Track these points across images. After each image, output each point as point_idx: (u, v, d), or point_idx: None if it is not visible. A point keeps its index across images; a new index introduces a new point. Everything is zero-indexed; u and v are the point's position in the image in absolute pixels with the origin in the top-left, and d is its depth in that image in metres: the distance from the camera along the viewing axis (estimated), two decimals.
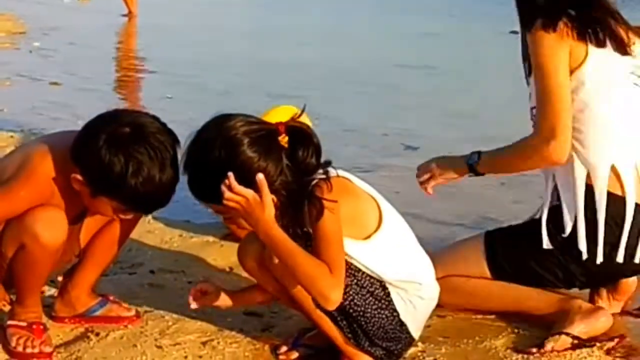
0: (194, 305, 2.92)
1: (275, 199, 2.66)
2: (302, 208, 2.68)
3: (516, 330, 3.16)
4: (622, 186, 3.06)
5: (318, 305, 2.72)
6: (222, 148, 2.63)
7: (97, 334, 3.01)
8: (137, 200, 2.70)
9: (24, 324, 2.89)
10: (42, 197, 2.74)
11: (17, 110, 6.88)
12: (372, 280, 2.77)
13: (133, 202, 2.72)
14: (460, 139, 6.30)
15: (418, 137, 6.34)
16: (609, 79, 3.07)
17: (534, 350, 2.99)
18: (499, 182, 5.00)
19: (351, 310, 2.75)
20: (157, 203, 2.79)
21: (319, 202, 2.64)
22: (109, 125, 2.67)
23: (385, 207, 2.83)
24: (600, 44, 3.04)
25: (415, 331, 2.87)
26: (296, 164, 2.68)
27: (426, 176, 3.29)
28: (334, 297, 2.65)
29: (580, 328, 3.03)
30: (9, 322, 2.91)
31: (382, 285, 2.79)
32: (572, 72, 3.02)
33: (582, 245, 3.05)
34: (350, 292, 2.74)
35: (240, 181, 2.59)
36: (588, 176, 3.06)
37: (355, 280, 2.75)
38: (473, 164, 3.19)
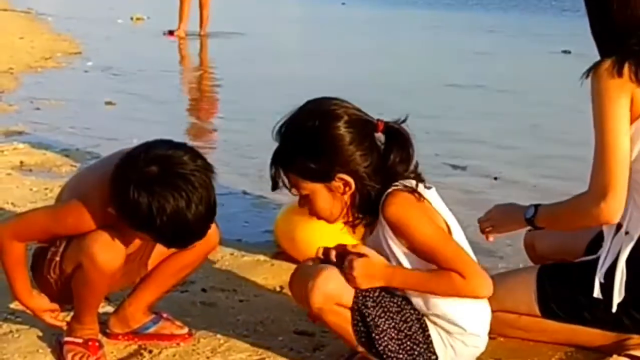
0: None
1: (350, 188, 2.66)
2: (371, 210, 2.68)
3: (569, 353, 3.13)
4: None
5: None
6: (320, 118, 2.64)
7: (150, 351, 3.05)
8: (165, 238, 2.71)
9: (79, 340, 2.94)
10: (91, 226, 2.78)
11: (73, 129, 6.99)
12: (411, 322, 2.71)
13: (163, 240, 2.73)
14: (509, 160, 6.29)
15: (468, 157, 6.32)
16: None
17: None
18: None
19: (384, 356, 2.71)
20: (188, 240, 2.76)
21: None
22: (139, 163, 2.65)
23: (457, 238, 2.74)
24: None
25: None
26: (385, 166, 2.67)
27: (488, 225, 3.24)
28: (485, 292, 2.66)
29: (637, 353, 2.98)
30: (66, 339, 2.95)
31: (422, 326, 2.72)
32: (637, 117, 2.80)
33: (616, 296, 2.92)
34: (385, 338, 2.69)
35: (322, 157, 2.62)
36: None
37: (393, 324, 2.70)
38: (531, 219, 3.08)
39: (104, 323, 3.11)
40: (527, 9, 21.89)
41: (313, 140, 2.64)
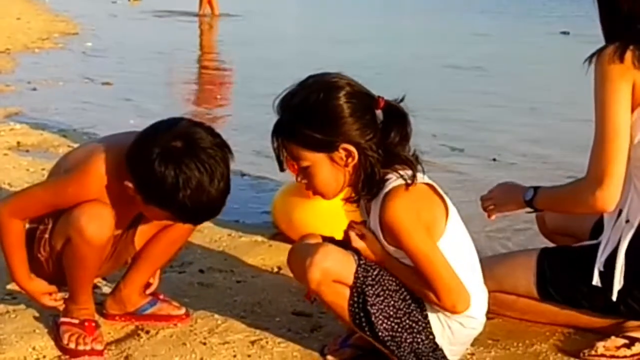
0: None
1: (353, 158, 2.63)
2: (372, 191, 2.66)
3: (567, 334, 3.12)
4: None
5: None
6: (322, 89, 2.63)
7: (147, 332, 3.04)
8: (186, 212, 2.72)
9: (76, 321, 2.93)
10: (90, 197, 2.77)
11: (70, 110, 6.99)
12: (410, 300, 2.70)
13: (182, 213, 2.73)
14: (507, 142, 6.29)
15: (466, 139, 6.32)
16: None
17: (586, 351, 2.95)
18: None
19: (380, 334, 2.69)
20: (206, 215, 2.80)
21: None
22: (162, 138, 2.67)
23: (453, 225, 2.71)
24: None
25: (452, 355, 2.78)
26: (384, 143, 2.64)
27: (490, 204, 3.19)
28: (457, 311, 2.65)
29: (636, 334, 2.98)
30: (62, 319, 2.94)
31: (420, 306, 2.70)
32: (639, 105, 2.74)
33: (616, 285, 2.91)
34: (381, 317, 2.68)
35: (326, 127, 2.60)
36: None
37: (392, 302, 2.69)
38: (530, 201, 3.04)
39: (100, 304, 3.11)
40: None
41: (316, 110, 2.61)
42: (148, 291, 3.16)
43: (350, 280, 2.68)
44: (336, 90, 2.63)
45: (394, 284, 2.71)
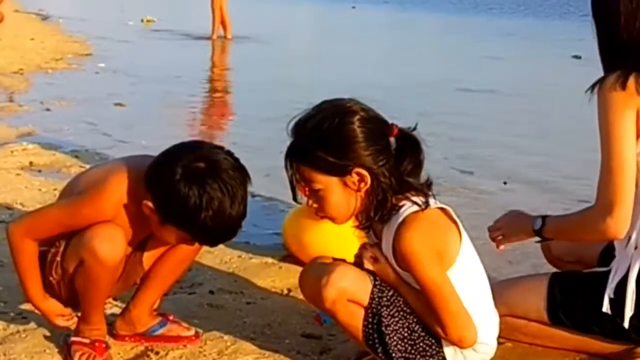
0: None
1: (365, 183, 2.63)
2: (383, 217, 2.67)
3: (578, 359, 3.11)
4: None
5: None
6: (337, 113, 2.64)
7: (157, 353, 3.04)
8: (205, 233, 2.75)
9: (86, 340, 2.93)
10: (105, 218, 2.79)
11: (82, 131, 7.01)
12: (423, 323, 2.70)
13: (201, 234, 2.76)
14: (518, 165, 6.28)
15: (476, 162, 6.31)
16: None
17: None
18: None
19: (394, 355, 2.70)
20: (224, 237, 2.83)
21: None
22: (184, 159, 2.71)
23: (466, 250, 2.72)
24: None
25: None
26: (397, 170, 2.65)
27: (498, 235, 3.18)
28: (461, 346, 2.67)
29: None
30: (73, 339, 2.95)
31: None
32: None
33: (627, 312, 2.91)
34: (395, 338, 2.68)
35: (339, 151, 2.60)
36: None
37: (407, 324, 2.70)
38: (539, 230, 3.04)
39: (110, 324, 3.11)
40: (542, 12, 21.88)
41: (330, 134, 2.62)
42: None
43: (365, 301, 2.68)
44: (350, 115, 2.64)
45: (409, 306, 2.71)
